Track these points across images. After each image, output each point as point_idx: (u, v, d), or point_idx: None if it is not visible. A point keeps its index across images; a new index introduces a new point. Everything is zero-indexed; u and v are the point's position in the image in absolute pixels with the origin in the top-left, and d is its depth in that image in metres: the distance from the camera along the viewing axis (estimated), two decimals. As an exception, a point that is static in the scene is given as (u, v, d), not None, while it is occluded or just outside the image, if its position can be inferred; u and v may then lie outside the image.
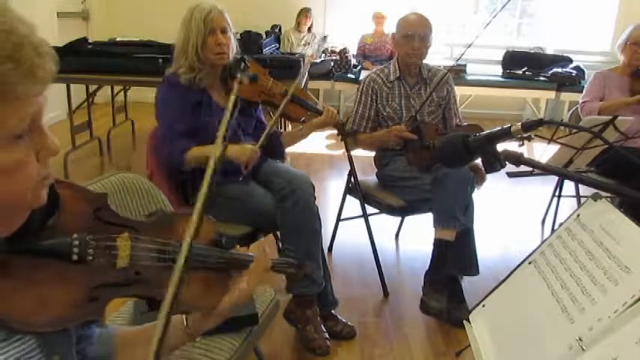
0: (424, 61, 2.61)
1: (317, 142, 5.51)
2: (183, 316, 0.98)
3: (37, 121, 0.67)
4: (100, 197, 0.87)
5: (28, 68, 0.62)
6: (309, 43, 6.29)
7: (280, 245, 2.18)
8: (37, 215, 0.73)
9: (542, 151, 2.50)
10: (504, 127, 1.04)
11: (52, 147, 0.69)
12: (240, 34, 5.69)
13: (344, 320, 2.25)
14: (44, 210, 0.74)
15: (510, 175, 2.06)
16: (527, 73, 6.19)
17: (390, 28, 6.20)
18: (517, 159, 1.01)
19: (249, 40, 5.80)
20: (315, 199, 2.09)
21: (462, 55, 2.63)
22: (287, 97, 2.19)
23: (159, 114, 2.10)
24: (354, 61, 6.29)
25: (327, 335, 2.12)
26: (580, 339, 0.87)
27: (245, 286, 0.97)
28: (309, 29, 6.34)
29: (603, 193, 1.08)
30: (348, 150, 2.68)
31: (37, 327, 0.71)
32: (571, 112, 3.30)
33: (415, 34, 2.47)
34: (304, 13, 6.29)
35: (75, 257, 0.77)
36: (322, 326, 2.13)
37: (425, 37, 2.49)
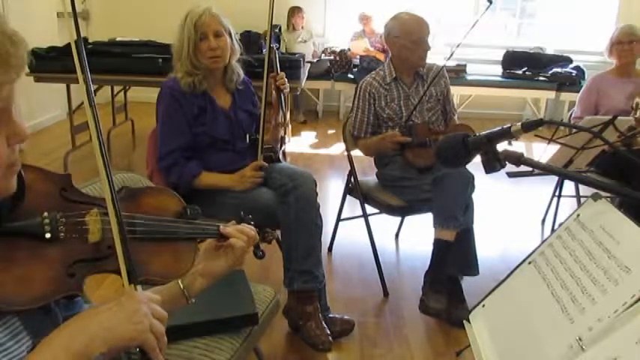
0: None
1: (317, 142, 5.51)
2: (179, 280, 1.03)
3: (7, 108, 0.68)
4: (65, 178, 0.90)
5: (2, 57, 0.64)
6: (305, 41, 6.30)
7: (282, 242, 2.17)
8: (7, 199, 0.76)
9: (542, 151, 2.49)
10: (504, 127, 1.04)
11: (21, 133, 0.71)
12: (240, 34, 5.69)
13: (338, 316, 2.25)
14: (13, 194, 0.76)
15: (510, 175, 2.06)
16: (527, 73, 6.19)
17: (377, 27, 6.14)
18: (517, 159, 1.01)
19: (250, 40, 5.80)
20: (317, 194, 2.10)
21: (453, 53, 2.58)
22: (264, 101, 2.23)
23: (160, 127, 2.12)
24: (356, 61, 6.26)
25: (328, 331, 2.11)
26: (580, 339, 0.87)
27: (241, 250, 1.07)
28: (302, 27, 6.36)
29: (603, 193, 1.08)
30: (348, 149, 2.69)
31: (20, 305, 0.74)
32: (571, 112, 3.30)
33: (424, 37, 2.47)
34: (295, 12, 6.29)
35: (48, 235, 0.80)
36: (323, 322, 2.12)
37: (428, 37, 2.50)
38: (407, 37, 2.48)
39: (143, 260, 0.91)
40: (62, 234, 0.82)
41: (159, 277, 0.93)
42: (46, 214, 0.81)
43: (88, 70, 0.85)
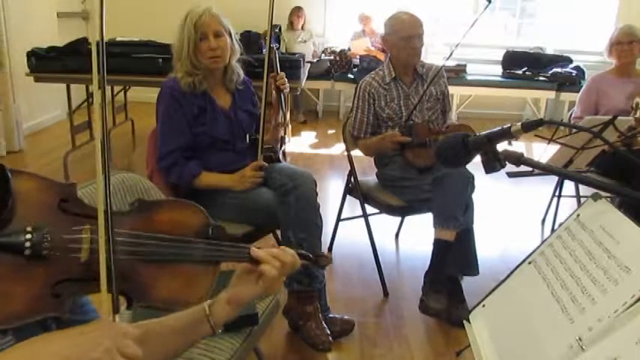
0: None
1: (317, 142, 5.51)
2: (206, 305, 0.93)
3: None
4: (67, 188, 0.83)
5: None
6: (305, 41, 6.30)
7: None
8: None
9: (542, 151, 2.49)
10: (504, 127, 1.04)
11: None
12: (240, 34, 5.69)
13: (338, 316, 2.25)
14: None
15: (510, 175, 2.06)
16: (527, 73, 6.19)
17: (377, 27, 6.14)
18: (517, 159, 1.01)
19: (250, 40, 5.80)
20: (317, 194, 2.10)
21: (452, 53, 2.58)
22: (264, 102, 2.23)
23: (160, 127, 2.12)
24: (356, 61, 6.26)
25: (328, 331, 2.11)
26: (580, 339, 0.87)
27: (273, 279, 0.94)
28: (303, 27, 6.36)
29: (603, 193, 1.08)
30: (348, 149, 2.69)
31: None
32: (571, 111, 3.30)
33: (415, 34, 2.47)
34: (295, 12, 6.31)
35: (27, 252, 0.73)
36: (323, 322, 2.12)
37: (422, 36, 2.50)
38: (398, 34, 2.49)
39: (147, 284, 0.82)
40: (46, 251, 0.75)
41: (162, 303, 0.84)
42: (29, 229, 0.74)
43: (104, 72, 0.80)
